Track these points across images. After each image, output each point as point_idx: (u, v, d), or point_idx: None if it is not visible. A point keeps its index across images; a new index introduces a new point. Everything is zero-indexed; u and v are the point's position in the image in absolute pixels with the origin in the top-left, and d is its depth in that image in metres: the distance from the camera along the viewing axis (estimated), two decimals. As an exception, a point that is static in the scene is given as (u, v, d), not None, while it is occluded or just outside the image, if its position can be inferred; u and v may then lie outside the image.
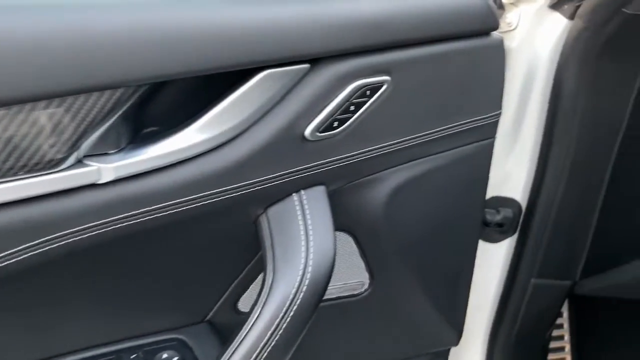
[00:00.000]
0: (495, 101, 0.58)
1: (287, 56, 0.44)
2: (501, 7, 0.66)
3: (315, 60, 0.45)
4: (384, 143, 0.51)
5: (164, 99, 0.46)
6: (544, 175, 0.71)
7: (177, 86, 0.45)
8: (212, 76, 0.42)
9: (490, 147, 0.60)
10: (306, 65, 0.45)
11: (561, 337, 1.05)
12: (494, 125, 0.59)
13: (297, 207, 0.48)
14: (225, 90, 0.44)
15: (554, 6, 0.65)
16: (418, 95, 0.52)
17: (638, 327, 1.10)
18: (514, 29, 0.68)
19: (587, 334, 1.04)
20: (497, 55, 0.55)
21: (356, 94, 0.47)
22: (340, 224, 0.54)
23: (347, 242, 0.58)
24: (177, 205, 0.44)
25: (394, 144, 0.52)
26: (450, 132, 0.56)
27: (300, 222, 0.47)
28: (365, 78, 0.47)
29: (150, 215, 0.43)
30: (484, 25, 0.53)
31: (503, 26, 0.70)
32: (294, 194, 0.48)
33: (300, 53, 0.44)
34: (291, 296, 0.45)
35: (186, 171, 0.44)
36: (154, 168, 0.43)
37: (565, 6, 0.64)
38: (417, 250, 0.63)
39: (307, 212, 0.48)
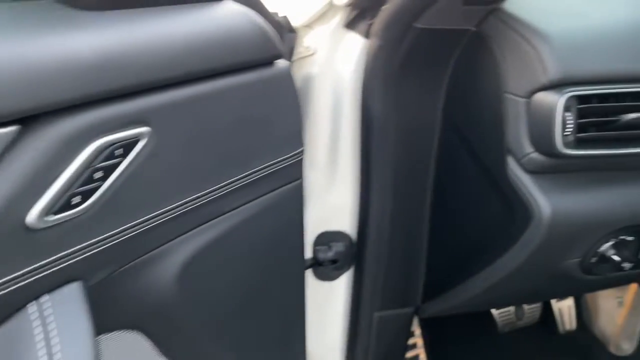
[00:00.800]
0: (295, 138, 0.50)
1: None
2: (292, 30, 0.59)
3: (29, 119, 0.32)
4: (157, 211, 0.40)
5: None
6: (368, 204, 0.66)
7: None
8: None
9: (299, 188, 0.53)
10: (13, 128, 0.32)
11: (416, 357, 1.04)
12: (299, 164, 0.51)
13: (36, 323, 0.34)
14: None
15: (349, 25, 0.60)
16: (195, 144, 0.41)
17: (483, 334, 1.13)
18: (313, 54, 0.62)
19: (439, 348, 1.03)
20: (287, 86, 0.48)
21: (102, 156, 0.35)
22: (120, 323, 0.41)
23: (138, 343, 0.45)
24: None
25: (173, 208, 0.41)
26: (248, 180, 0.47)
27: (40, 344, 0.33)
28: (112, 133, 0.35)
29: None
30: (264, 54, 0.45)
31: (302, 51, 0.63)
32: (28, 306, 0.34)
33: None
34: None
35: None
36: None
37: (360, 25, 0.60)
38: (236, 321, 0.52)
39: (51, 325, 0.34)
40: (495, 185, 0.58)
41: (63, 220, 0.34)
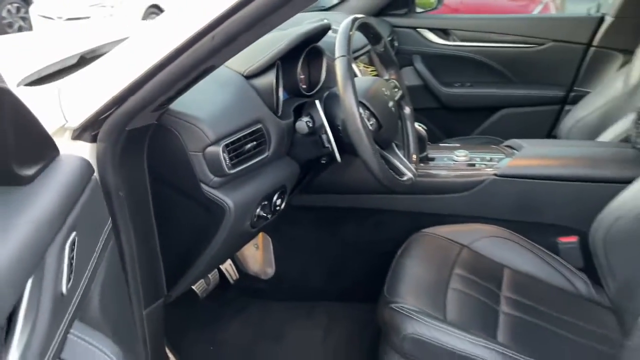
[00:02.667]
0: None
1: None
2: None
3: None
4: None
5: None
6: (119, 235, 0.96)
7: None
8: None
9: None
10: None
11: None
12: None
13: None
14: None
15: (77, 137, 0.90)
16: None
17: (193, 306, 1.57)
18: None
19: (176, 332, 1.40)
20: None
21: None
22: None
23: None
24: None
25: None
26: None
27: None
28: None
29: None
30: None
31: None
32: None
33: None
34: None
35: None
36: None
37: (85, 135, 0.90)
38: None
39: None
40: (198, 201, 1.01)
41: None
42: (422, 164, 1.58)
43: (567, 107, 2.25)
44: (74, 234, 0.64)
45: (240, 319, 1.69)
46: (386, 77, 1.38)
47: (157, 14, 6.95)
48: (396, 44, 2.38)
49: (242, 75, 1.12)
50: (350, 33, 1.11)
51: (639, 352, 0.85)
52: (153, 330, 1.07)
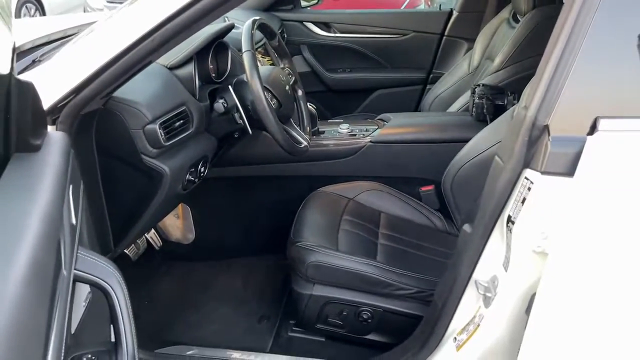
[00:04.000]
0: None
1: None
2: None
3: None
4: None
5: None
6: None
7: None
8: None
9: None
10: None
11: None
12: None
13: None
14: None
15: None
16: None
17: (130, 266, 1.80)
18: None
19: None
20: None
21: None
22: None
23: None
24: None
25: None
26: None
27: None
28: None
29: None
30: None
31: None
32: None
33: None
34: None
35: None
36: None
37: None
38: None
39: None
40: (140, 170, 1.27)
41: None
42: (314, 137, 1.94)
43: (428, 87, 2.73)
44: (71, 185, 0.90)
45: (167, 279, 1.96)
46: (282, 66, 1.71)
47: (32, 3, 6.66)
48: (285, 35, 2.71)
49: (167, 67, 1.38)
50: (252, 32, 1.42)
51: (459, 253, 1.24)
52: None
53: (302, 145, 1.57)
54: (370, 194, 1.85)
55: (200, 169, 1.45)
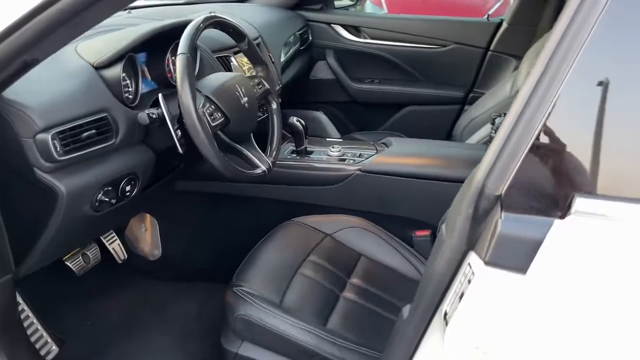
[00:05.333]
0: None
1: None
2: None
3: None
4: None
5: None
6: None
7: None
8: None
9: None
10: None
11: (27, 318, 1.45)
12: None
13: None
14: None
15: None
16: None
17: (69, 285, 1.63)
18: None
19: (44, 307, 1.46)
20: None
21: None
22: None
23: None
24: None
25: None
26: None
27: None
28: None
29: None
30: None
31: None
32: None
33: None
34: None
35: None
36: None
37: None
38: None
39: None
40: (33, 184, 1.07)
41: None
42: (298, 157, 1.67)
43: (466, 107, 2.36)
44: None
45: (120, 297, 1.77)
46: (252, 73, 1.45)
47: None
48: (310, 37, 2.46)
49: (93, 65, 1.17)
50: (197, 31, 1.18)
51: (391, 344, 0.93)
52: (3, 302, 1.13)
53: (258, 170, 1.31)
54: (353, 232, 1.56)
55: (125, 188, 1.22)
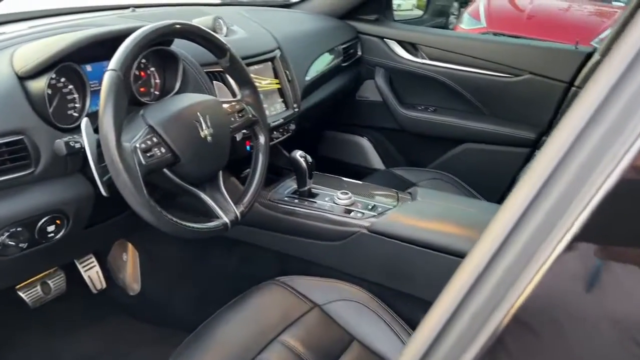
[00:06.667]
0: None
1: None
2: None
3: None
4: None
5: None
6: None
7: None
8: None
9: None
10: None
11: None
12: None
13: None
14: None
15: None
16: None
17: (22, 318, 1.42)
18: None
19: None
20: None
21: None
22: None
23: None
24: None
25: None
26: None
27: None
28: None
29: None
30: None
31: None
32: None
33: None
34: None
35: None
36: None
37: None
38: None
39: None
40: None
41: None
42: (298, 200, 1.36)
43: (537, 152, 1.92)
44: None
45: (87, 332, 1.55)
46: (237, 97, 1.16)
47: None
48: (359, 52, 2.13)
49: (17, 74, 0.94)
50: (138, 42, 0.91)
51: None
52: None
53: (216, 222, 1.02)
54: (349, 307, 1.23)
55: (45, 229, 0.98)
